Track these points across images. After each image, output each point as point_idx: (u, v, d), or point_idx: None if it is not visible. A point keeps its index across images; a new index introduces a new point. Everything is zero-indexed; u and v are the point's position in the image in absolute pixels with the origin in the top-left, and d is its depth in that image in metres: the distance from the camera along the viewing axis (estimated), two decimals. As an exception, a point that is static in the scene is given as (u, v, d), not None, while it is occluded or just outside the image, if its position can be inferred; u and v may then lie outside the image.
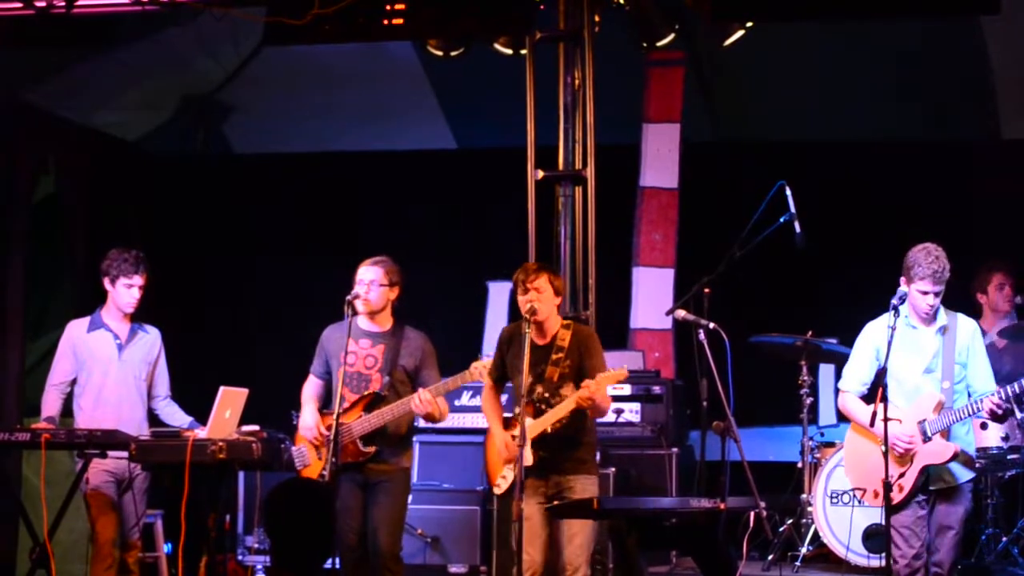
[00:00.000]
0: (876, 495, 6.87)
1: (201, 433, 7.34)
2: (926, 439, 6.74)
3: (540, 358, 6.92)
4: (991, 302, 8.99)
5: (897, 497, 6.67)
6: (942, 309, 6.86)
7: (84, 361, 7.78)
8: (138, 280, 7.73)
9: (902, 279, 6.80)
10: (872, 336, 6.95)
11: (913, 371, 6.84)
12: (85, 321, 7.85)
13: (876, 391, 6.63)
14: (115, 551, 7.63)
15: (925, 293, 6.74)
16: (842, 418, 7.18)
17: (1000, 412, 6.74)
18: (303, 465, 7.44)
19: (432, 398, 7.24)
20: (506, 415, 7.25)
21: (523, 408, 6.75)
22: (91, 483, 7.53)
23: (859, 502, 7.15)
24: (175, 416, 7.89)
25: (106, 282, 7.76)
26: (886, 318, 6.73)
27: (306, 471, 7.40)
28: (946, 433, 6.74)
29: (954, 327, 6.84)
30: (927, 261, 6.70)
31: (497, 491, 7.12)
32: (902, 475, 6.70)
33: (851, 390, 7.03)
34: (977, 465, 7.96)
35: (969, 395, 6.85)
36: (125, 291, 7.73)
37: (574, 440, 6.95)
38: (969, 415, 6.76)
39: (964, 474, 6.81)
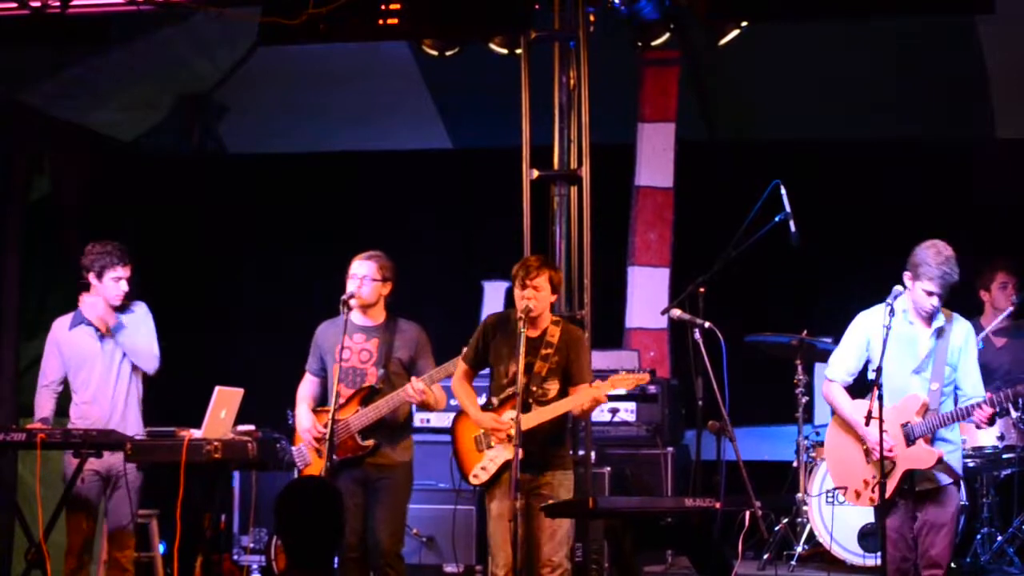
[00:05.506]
0: (857, 494, 6.86)
1: (196, 433, 7.32)
2: (909, 443, 6.71)
3: (528, 350, 6.90)
4: (993, 299, 9.02)
5: (879, 499, 6.58)
6: (941, 310, 6.80)
7: (70, 359, 7.78)
8: (124, 272, 7.71)
9: (906, 274, 6.72)
10: (865, 326, 6.87)
11: (902, 370, 6.78)
12: (68, 318, 7.84)
13: (865, 385, 6.62)
14: (83, 556, 7.62)
15: (931, 294, 6.65)
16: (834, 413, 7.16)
17: (989, 422, 6.74)
18: (304, 464, 7.45)
19: (425, 387, 7.24)
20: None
21: (520, 405, 6.73)
22: (84, 482, 7.52)
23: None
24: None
25: (91, 277, 7.72)
26: (880, 308, 6.67)
27: (308, 470, 7.41)
28: (930, 437, 6.72)
29: (949, 329, 6.78)
30: (936, 262, 6.59)
31: (475, 481, 7.07)
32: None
33: (837, 379, 6.97)
34: (971, 464, 8.00)
35: (956, 397, 6.83)
36: (113, 284, 7.70)
37: (555, 437, 7.00)
38: (955, 420, 6.73)
39: (948, 476, 6.78)
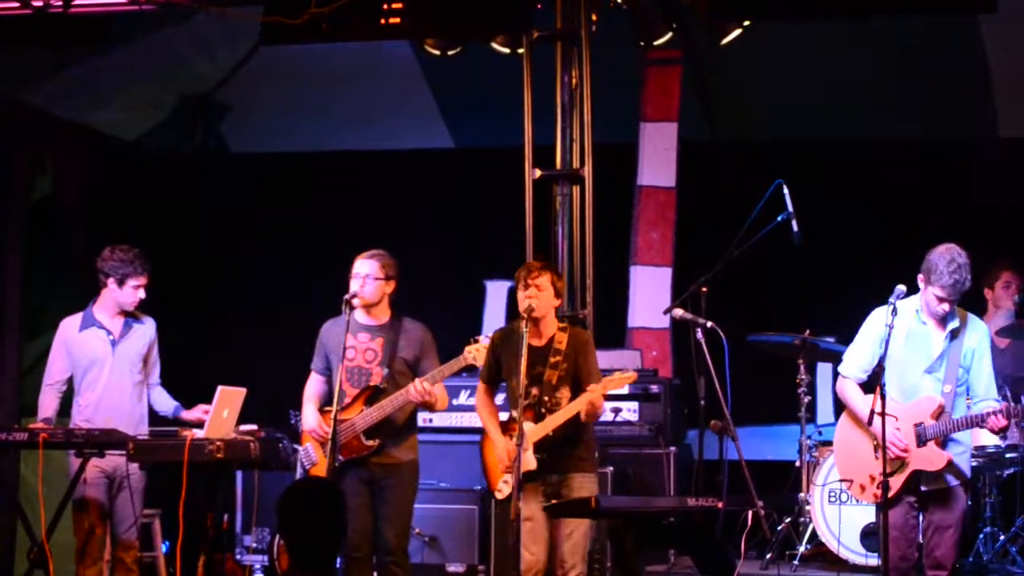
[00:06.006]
0: (862, 489, 6.85)
1: (199, 432, 7.32)
2: (921, 443, 6.71)
3: (537, 360, 6.90)
4: (996, 298, 9.03)
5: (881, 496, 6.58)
6: (956, 310, 6.78)
7: (78, 360, 7.77)
8: (144, 280, 7.75)
9: (920, 276, 6.72)
10: (880, 323, 6.80)
11: (915, 368, 6.78)
12: (77, 319, 7.83)
13: (875, 383, 6.61)
14: (90, 555, 7.63)
15: (941, 300, 6.67)
16: (839, 412, 7.17)
17: (1000, 432, 6.75)
18: (311, 464, 7.44)
19: (429, 387, 7.23)
20: (502, 418, 7.25)
21: (521, 411, 6.75)
22: (87, 482, 7.52)
23: (848, 497, 7.13)
24: (161, 402, 7.91)
25: (111, 282, 7.72)
26: (898, 305, 6.66)
27: (315, 469, 7.40)
28: (941, 440, 6.72)
29: (963, 331, 6.76)
30: (949, 270, 6.58)
31: (499, 496, 7.09)
32: (891, 474, 6.59)
33: (851, 376, 6.96)
34: (974, 464, 7.99)
35: (968, 395, 6.83)
36: (132, 292, 7.73)
37: (573, 440, 6.96)
38: (969, 427, 6.73)
39: (956, 478, 6.78)
